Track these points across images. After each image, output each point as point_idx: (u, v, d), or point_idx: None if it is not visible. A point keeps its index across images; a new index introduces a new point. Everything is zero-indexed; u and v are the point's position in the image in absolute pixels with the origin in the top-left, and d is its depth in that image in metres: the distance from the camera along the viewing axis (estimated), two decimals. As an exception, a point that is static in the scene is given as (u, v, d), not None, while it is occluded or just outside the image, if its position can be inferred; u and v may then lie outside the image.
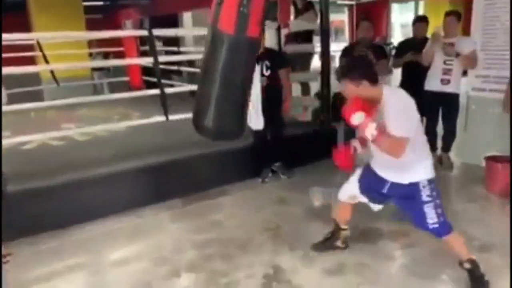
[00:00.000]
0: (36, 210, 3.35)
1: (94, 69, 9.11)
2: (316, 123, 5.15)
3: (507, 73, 4.17)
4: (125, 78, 8.53)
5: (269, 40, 4.42)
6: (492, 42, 4.27)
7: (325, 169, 4.63)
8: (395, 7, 14.52)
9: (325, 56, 4.93)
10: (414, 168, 2.46)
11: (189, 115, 4.44)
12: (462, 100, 4.55)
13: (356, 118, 2.25)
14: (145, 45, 8.31)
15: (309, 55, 5.70)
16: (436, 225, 2.47)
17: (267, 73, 4.07)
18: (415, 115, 2.38)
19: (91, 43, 9.05)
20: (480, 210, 3.62)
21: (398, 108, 2.30)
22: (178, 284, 2.79)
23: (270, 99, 4.05)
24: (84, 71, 8.60)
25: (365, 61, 2.85)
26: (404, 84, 4.93)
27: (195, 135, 4.54)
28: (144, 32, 4.08)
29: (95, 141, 4.72)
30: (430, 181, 2.48)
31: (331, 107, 4.93)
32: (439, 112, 4.50)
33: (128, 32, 8.16)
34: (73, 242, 3.28)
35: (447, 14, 4.37)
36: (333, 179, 4.31)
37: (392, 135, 2.26)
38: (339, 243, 3.01)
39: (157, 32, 4.22)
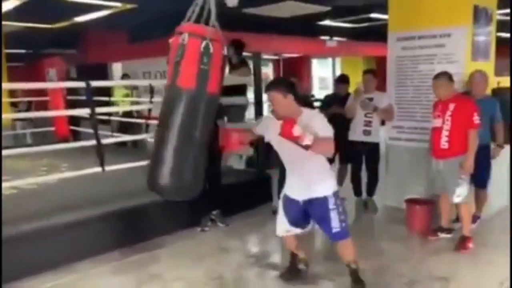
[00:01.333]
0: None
1: (17, 119, 8.73)
2: (251, 171, 5.35)
3: (418, 125, 4.73)
4: (51, 128, 8.22)
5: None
6: (405, 97, 4.84)
7: (261, 215, 4.80)
8: (314, 62, 15.59)
9: (259, 106, 5.24)
10: (322, 183, 2.90)
11: (124, 165, 4.53)
12: (383, 148, 5.02)
13: (297, 130, 2.54)
14: (72, 95, 8.16)
15: (243, 107, 5.98)
16: (338, 229, 2.90)
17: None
18: None
19: (14, 92, 8.70)
20: (404, 248, 3.94)
21: (323, 119, 2.82)
22: None
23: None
24: (5, 121, 8.16)
25: (290, 81, 3.26)
26: (330, 134, 5.33)
27: (129, 186, 4.56)
28: (82, 84, 4.07)
29: (24, 195, 4.49)
30: (334, 193, 2.91)
31: (264, 155, 5.18)
32: (362, 159, 4.91)
33: (64, 83, 7.98)
34: (2, 304, 3.07)
35: (366, 72, 4.90)
36: (269, 223, 4.47)
37: (323, 136, 2.64)
38: (301, 266, 3.31)
39: (94, 83, 4.23)
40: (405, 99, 4.84)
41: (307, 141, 2.53)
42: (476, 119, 3.64)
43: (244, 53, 5.41)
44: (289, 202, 3.01)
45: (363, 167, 4.96)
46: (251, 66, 5.43)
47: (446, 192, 3.89)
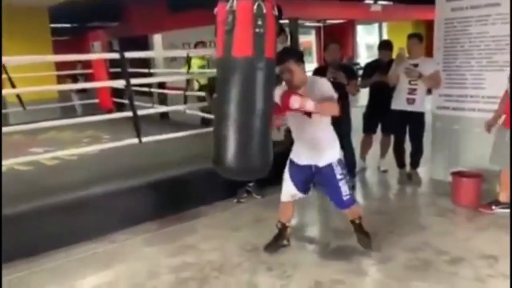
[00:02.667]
0: (3, 239, 3.22)
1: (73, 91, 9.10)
2: (287, 142, 5.21)
3: (468, 92, 4.39)
4: (95, 100, 8.43)
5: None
6: (453, 63, 4.49)
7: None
8: (360, 29, 15.00)
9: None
10: (329, 149, 3.01)
11: (162, 136, 4.54)
12: (428, 118, 4.73)
13: (294, 100, 2.61)
14: (114, 67, 8.27)
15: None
16: (348, 197, 3.04)
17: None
18: None
19: (62, 65, 8.95)
20: (448, 224, 3.74)
21: (326, 82, 2.95)
22: (155, 310, 2.75)
23: None
24: (51, 93, 8.45)
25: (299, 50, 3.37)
26: (372, 104, 5.10)
27: (167, 157, 4.58)
28: (115, 55, 4.06)
29: (65, 165, 4.62)
30: (339, 161, 3.03)
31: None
32: (406, 130, 4.66)
33: (99, 55, 8.08)
34: (43, 270, 3.18)
35: (410, 36, 4.58)
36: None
37: (325, 97, 2.78)
38: (285, 242, 3.34)
39: (128, 54, 4.21)
40: (453, 65, 4.49)
41: (309, 107, 2.63)
42: None
43: (281, 20, 5.20)
44: (296, 168, 3.09)
45: (407, 138, 4.72)
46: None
47: None
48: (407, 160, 4.80)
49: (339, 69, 4.29)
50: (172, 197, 4.10)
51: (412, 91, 4.46)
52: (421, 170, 4.80)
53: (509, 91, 3.53)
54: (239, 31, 2.19)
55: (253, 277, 2.97)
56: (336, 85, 4.26)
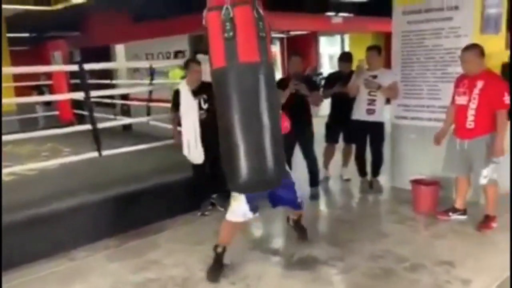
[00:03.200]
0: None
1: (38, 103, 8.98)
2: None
3: (424, 102, 4.55)
4: (55, 112, 8.20)
5: (205, 74, 4.44)
6: (410, 74, 4.64)
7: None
8: (323, 40, 15.28)
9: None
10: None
11: (123, 149, 4.45)
12: (388, 128, 4.86)
13: None
14: (75, 78, 8.07)
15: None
16: (300, 200, 3.38)
17: (205, 106, 4.10)
18: None
19: (22, 76, 8.67)
20: (408, 231, 3.83)
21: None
22: (116, 329, 2.67)
23: (208, 132, 4.03)
24: (8, 106, 8.14)
25: None
26: (333, 114, 5.19)
27: (128, 170, 4.50)
28: (75, 67, 3.97)
29: (23, 181, 4.46)
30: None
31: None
32: (366, 139, 4.77)
33: (57, 67, 7.88)
34: (-1, 291, 3.05)
35: (369, 48, 4.71)
36: (270, 207, 4.36)
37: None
38: (227, 261, 3.21)
39: (88, 66, 4.14)
40: (410, 76, 4.64)
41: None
42: (506, 99, 3.42)
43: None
44: None
45: (368, 147, 4.83)
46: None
47: (467, 173, 3.75)
48: (369, 168, 4.91)
49: (301, 81, 4.36)
50: (134, 211, 4.02)
51: (371, 102, 4.58)
52: (382, 178, 4.92)
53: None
54: (243, 37, 2.11)
55: (217, 291, 2.94)
56: (299, 97, 4.38)
